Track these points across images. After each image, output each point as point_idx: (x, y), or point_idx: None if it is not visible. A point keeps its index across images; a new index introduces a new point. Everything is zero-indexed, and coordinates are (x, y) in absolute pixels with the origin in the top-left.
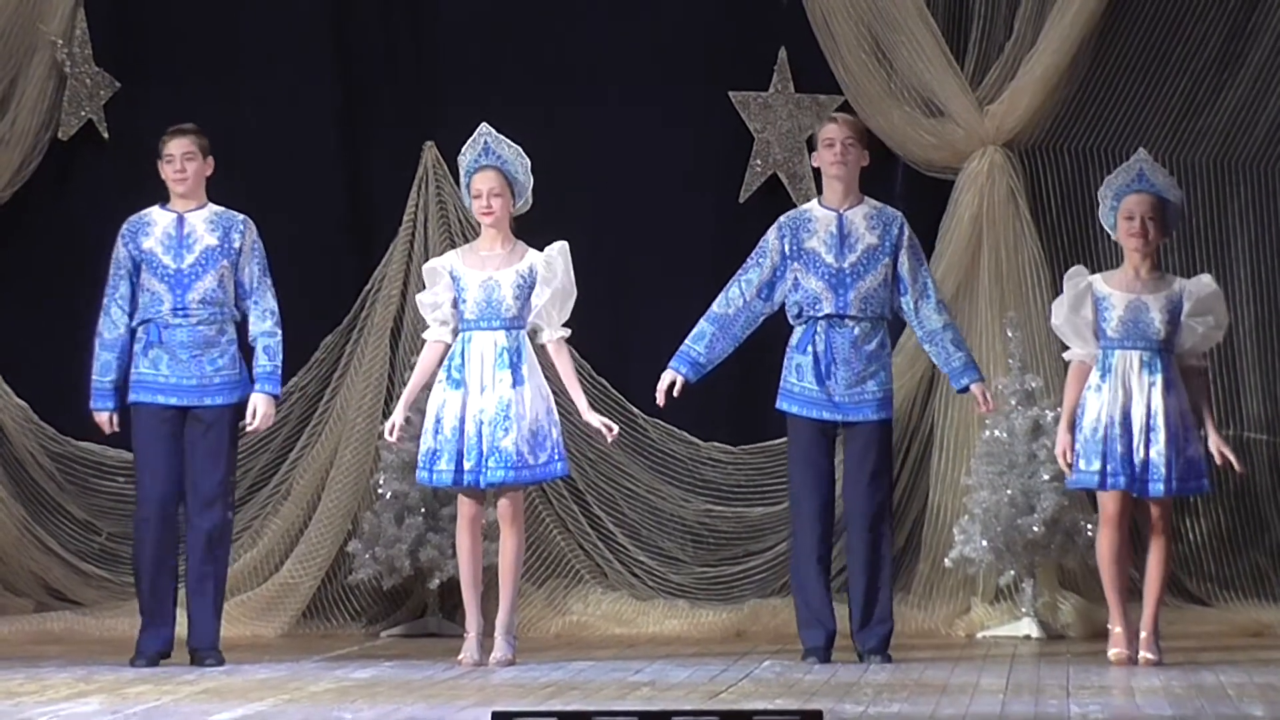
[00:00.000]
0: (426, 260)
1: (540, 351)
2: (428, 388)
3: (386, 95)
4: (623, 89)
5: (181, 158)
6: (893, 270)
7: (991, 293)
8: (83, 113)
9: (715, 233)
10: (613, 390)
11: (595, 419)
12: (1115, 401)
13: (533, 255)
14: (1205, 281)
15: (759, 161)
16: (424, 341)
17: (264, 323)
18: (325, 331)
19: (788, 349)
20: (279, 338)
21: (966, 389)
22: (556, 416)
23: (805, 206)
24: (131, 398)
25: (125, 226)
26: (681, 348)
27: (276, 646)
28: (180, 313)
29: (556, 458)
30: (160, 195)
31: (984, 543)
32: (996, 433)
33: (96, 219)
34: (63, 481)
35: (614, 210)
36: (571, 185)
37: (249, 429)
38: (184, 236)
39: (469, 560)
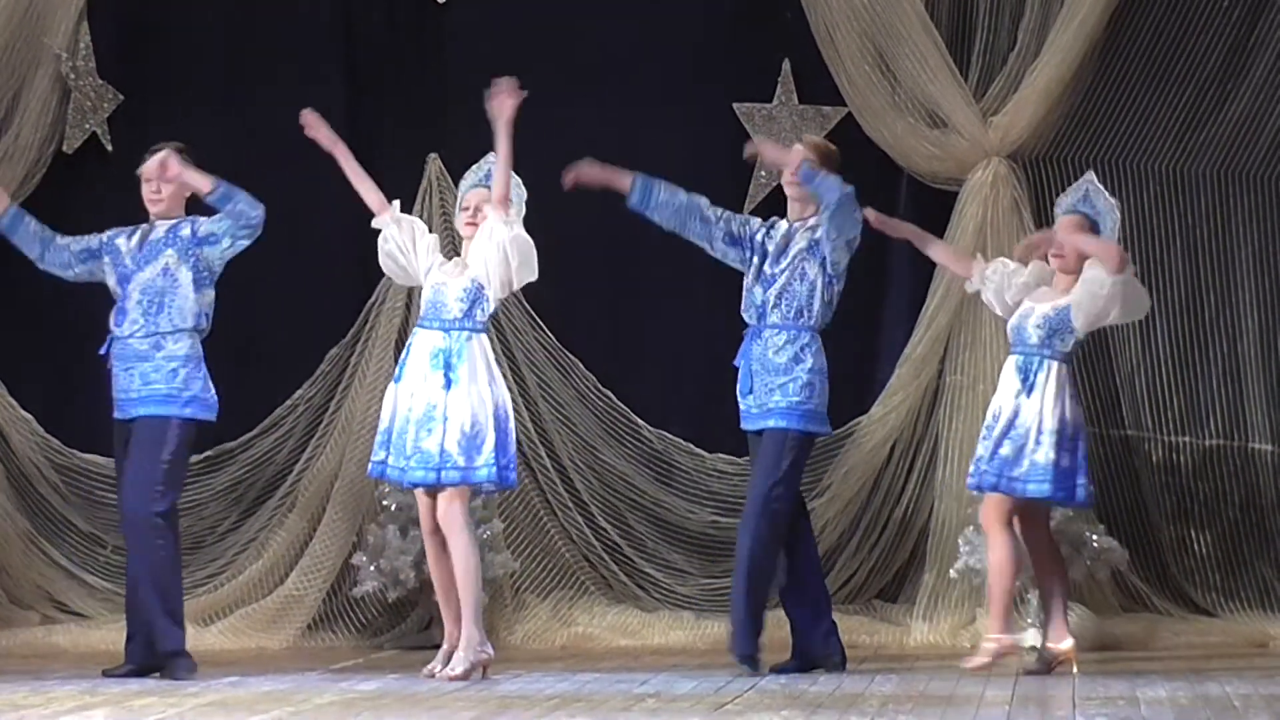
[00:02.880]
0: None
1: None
2: None
3: (391, 107)
4: (627, 101)
5: (158, 180)
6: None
7: None
8: (86, 126)
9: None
10: (617, 402)
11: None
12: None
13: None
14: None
15: (763, 173)
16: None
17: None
18: (330, 344)
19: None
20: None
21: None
22: (509, 425)
23: (781, 219)
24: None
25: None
26: (654, 178)
27: (281, 659)
28: (121, 322)
29: (495, 463)
30: None
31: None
32: None
33: (100, 231)
34: (67, 494)
35: (618, 222)
36: (576, 197)
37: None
38: (146, 241)
39: (433, 567)
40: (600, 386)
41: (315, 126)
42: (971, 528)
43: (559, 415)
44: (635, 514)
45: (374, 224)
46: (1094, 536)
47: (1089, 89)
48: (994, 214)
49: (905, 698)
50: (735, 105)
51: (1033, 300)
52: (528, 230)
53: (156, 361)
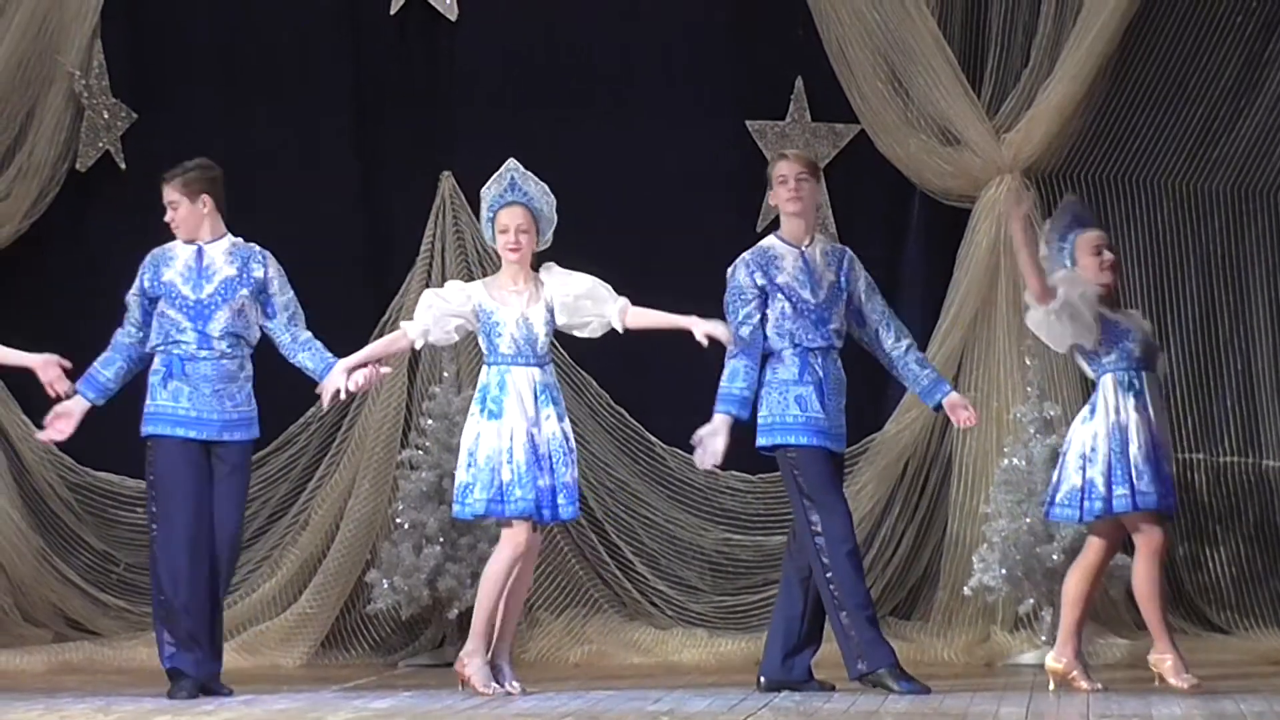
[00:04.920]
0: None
1: (608, 329)
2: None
3: (403, 125)
4: (640, 118)
5: (168, 206)
6: (848, 305)
7: (1010, 321)
8: (100, 143)
9: (732, 261)
10: (630, 420)
11: (706, 326)
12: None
13: (544, 287)
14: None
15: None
16: (407, 336)
17: (304, 330)
18: None
19: (773, 383)
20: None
21: (940, 405)
22: None
23: (763, 243)
24: (148, 429)
25: (148, 258)
26: (723, 390)
27: (295, 677)
28: (204, 346)
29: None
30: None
31: (1003, 571)
32: (1015, 461)
33: (114, 249)
34: (81, 512)
35: (630, 239)
36: (588, 214)
37: (328, 398)
38: (203, 268)
39: (504, 591)
40: (613, 404)
41: (332, 387)
42: (986, 545)
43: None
44: (648, 531)
45: (419, 345)
46: None
47: (1102, 106)
48: (1007, 231)
49: (919, 715)
50: (748, 122)
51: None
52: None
53: (240, 383)
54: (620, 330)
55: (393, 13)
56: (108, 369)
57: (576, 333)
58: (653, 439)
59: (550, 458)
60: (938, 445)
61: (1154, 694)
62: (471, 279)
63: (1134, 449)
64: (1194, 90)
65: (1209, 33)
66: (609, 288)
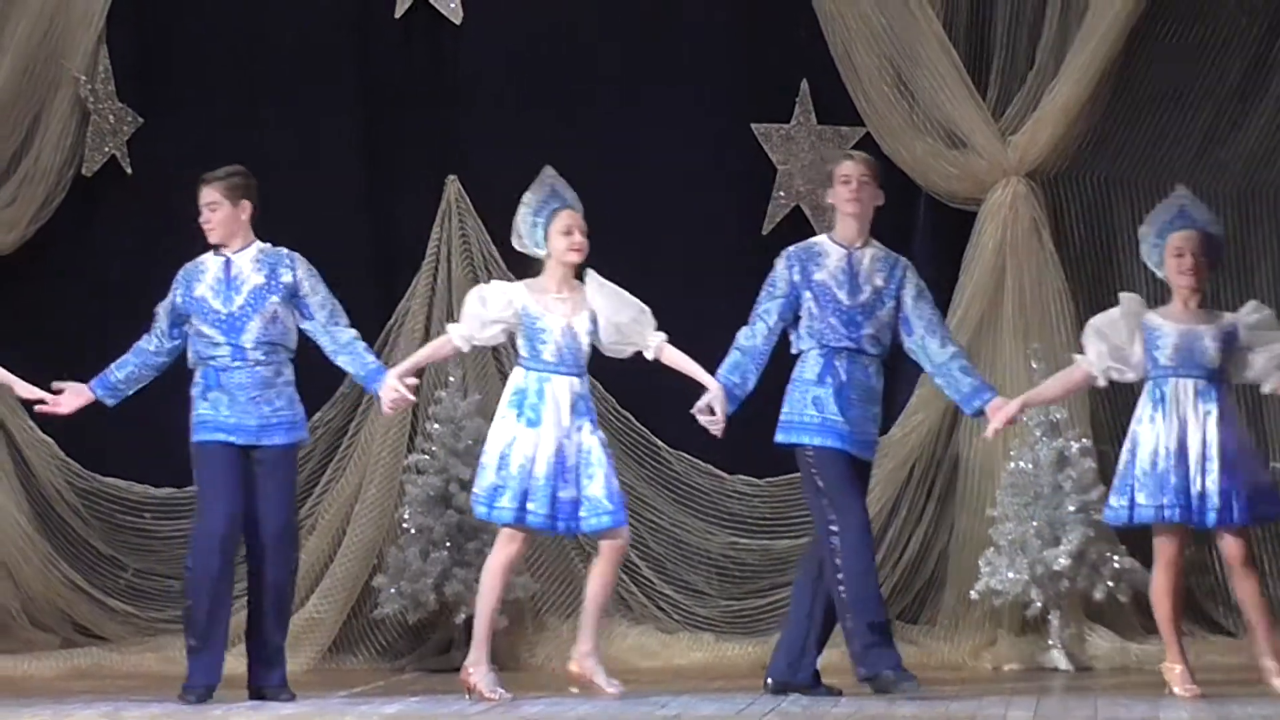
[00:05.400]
0: (450, 294)
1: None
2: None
3: (409, 128)
4: (645, 122)
5: (206, 208)
6: (896, 311)
7: (1015, 324)
8: (106, 148)
9: (739, 265)
10: (636, 424)
11: (716, 401)
12: (1170, 433)
13: (588, 298)
14: (1255, 306)
15: (782, 193)
16: (446, 334)
17: (346, 329)
18: None
19: (796, 381)
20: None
21: (980, 411)
22: None
23: (814, 239)
24: (194, 438)
25: (181, 273)
26: (718, 377)
27: (302, 682)
28: (238, 357)
29: (622, 504)
30: (179, 230)
31: (1010, 574)
32: (1022, 464)
33: (120, 254)
34: (88, 517)
35: (635, 242)
36: (594, 218)
37: (387, 408)
38: (231, 279)
39: (501, 597)
40: (619, 408)
41: (393, 393)
42: (993, 549)
43: None
44: (655, 536)
45: (465, 349)
46: (1115, 558)
47: (1108, 108)
48: (1013, 233)
49: (927, 719)
50: (753, 125)
51: (1163, 319)
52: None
53: (279, 388)
54: (649, 359)
55: (397, 16)
56: (120, 370)
57: (607, 352)
58: (659, 443)
59: (577, 469)
60: (944, 448)
61: (1162, 698)
62: (477, 283)
63: (1142, 455)
64: (1199, 92)
65: (1214, 35)
66: (650, 314)
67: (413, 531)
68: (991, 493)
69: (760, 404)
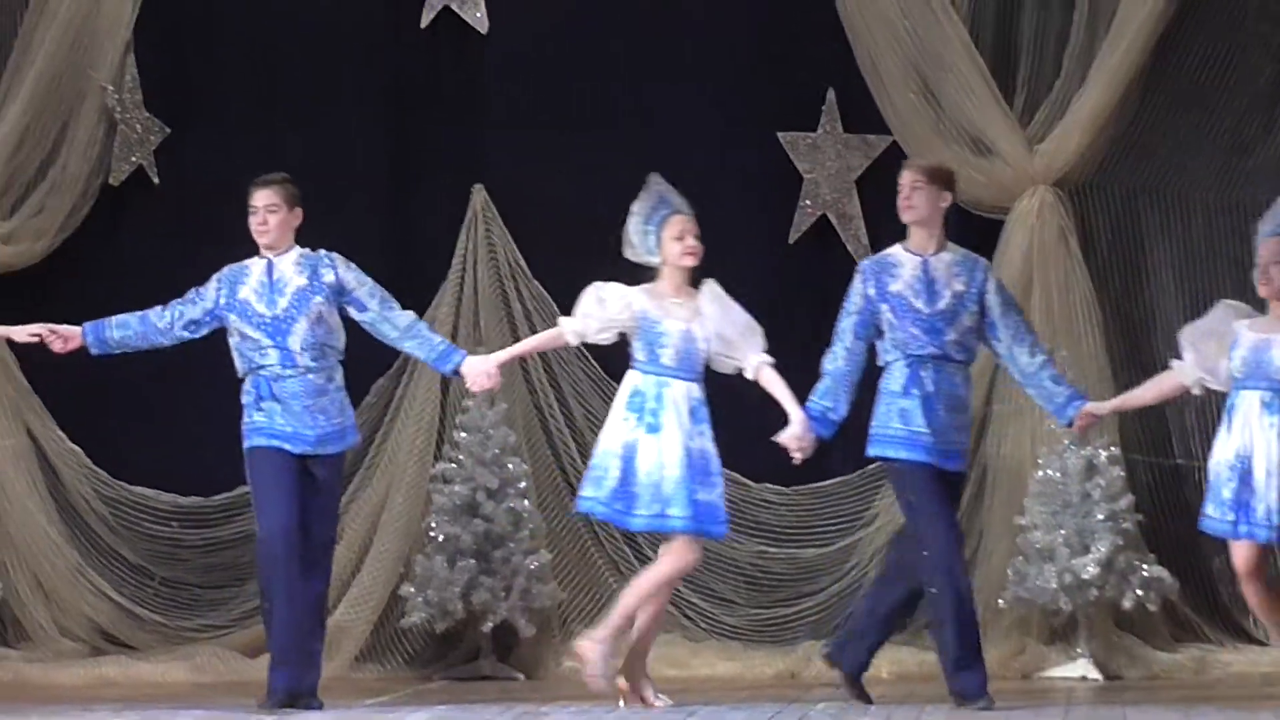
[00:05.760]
0: (476, 302)
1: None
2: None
3: (435, 137)
4: (671, 131)
5: (264, 210)
6: (980, 316)
7: (1043, 331)
8: (133, 158)
9: (766, 274)
10: None
11: (800, 436)
12: (1235, 445)
13: (702, 305)
14: None
15: (808, 202)
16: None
17: (402, 312)
18: (376, 375)
19: (882, 393)
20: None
21: (1072, 422)
22: None
23: (889, 250)
24: (247, 444)
25: (225, 271)
26: (809, 405)
27: (330, 690)
28: (288, 364)
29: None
30: (206, 239)
31: (1038, 583)
32: (1050, 472)
33: (147, 264)
34: (116, 526)
35: None
36: (619, 226)
37: (475, 390)
38: (274, 282)
39: (650, 600)
40: None
41: (487, 377)
42: (1021, 557)
43: None
44: None
45: (574, 344)
46: (1144, 566)
47: (1135, 115)
48: (1040, 242)
49: None
50: (780, 134)
51: (1249, 328)
52: (581, 258)
53: (331, 395)
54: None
55: (423, 25)
56: (119, 330)
57: (710, 363)
58: None
59: (705, 473)
60: (971, 457)
61: (1192, 707)
62: (504, 293)
63: (1210, 468)
64: (1227, 100)
65: (1241, 42)
66: (760, 334)
67: (440, 540)
68: (1020, 501)
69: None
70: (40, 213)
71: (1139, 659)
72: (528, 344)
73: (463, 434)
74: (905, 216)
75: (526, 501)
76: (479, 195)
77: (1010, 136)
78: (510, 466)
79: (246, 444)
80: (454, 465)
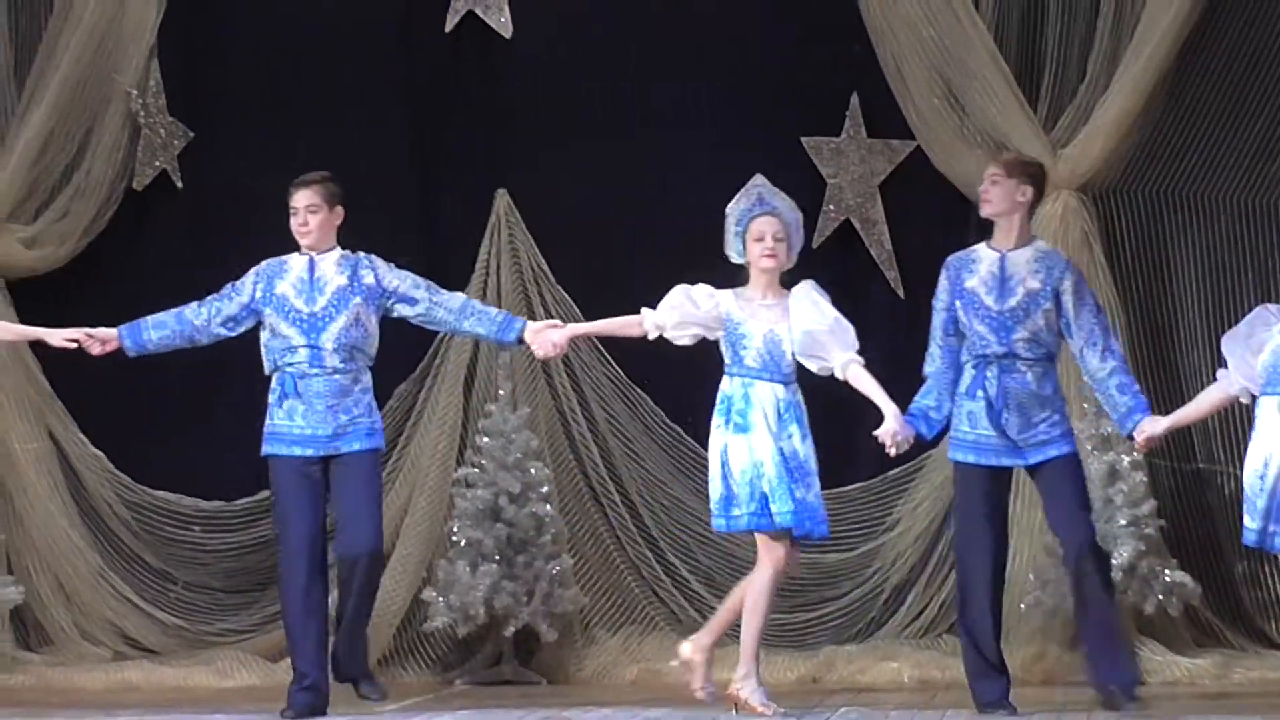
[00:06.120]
0: (499, 307)
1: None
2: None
3: (458, 142)
4: (695, 135)
5: (305, 210)
6: (1056, 314)
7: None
8: (157, 162)
9: (789, 278)
10: (686, 438)
11: (897, 430)
12: (1265, 452)
13: (792, 307)
14: None
15: (832, 207)
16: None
17: (451, 294)
18: (398, 380)
19: (957, 394)
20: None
21: (1131, 434)
22: None
23: (974, 246)
24: (266, 449)
25: (263, 265)
26: (912, 405)
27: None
28: (316, 363)
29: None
30: (229, 243)
31: (1061, 588)
32: None
33: (170, 268)
34: (138, 530)
35: (686, 256)
36: (642, 231)
37: (540, 356)
38: (315, 280)
39: (769, 612)
40: (668, 421)
41: (554, 346)
42: (1044, 562)
43: (627, 450)
44: (704, 548)
45: (651, 336)
46: (1166, 571)
47: (1159, 121)
48: (1064, 247)
49: None
50: (803, 139)
51: None
52: (600, 261)
53: (356, 395)
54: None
55: (447, 30)
56: (156, 331)
57: (801, 361)
58: (707, 456)
59: (794, 474)
60: None
61: (1214, 713)
62: (527, 297)
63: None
64: (1252, 105)
65: (1268, 45)
66: (851, 333)
67: (462, 544)
68: (1042, 505)
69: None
70: (64, 217)
71: (1161, 664)
72: (603, 324)
73: (485, 438)
74: (983, 210)
75: (549, 506)
76: (502, 199)
77: (1034, 141)
78: (532, 471)
79: (264, 449)
80: (476, 470)
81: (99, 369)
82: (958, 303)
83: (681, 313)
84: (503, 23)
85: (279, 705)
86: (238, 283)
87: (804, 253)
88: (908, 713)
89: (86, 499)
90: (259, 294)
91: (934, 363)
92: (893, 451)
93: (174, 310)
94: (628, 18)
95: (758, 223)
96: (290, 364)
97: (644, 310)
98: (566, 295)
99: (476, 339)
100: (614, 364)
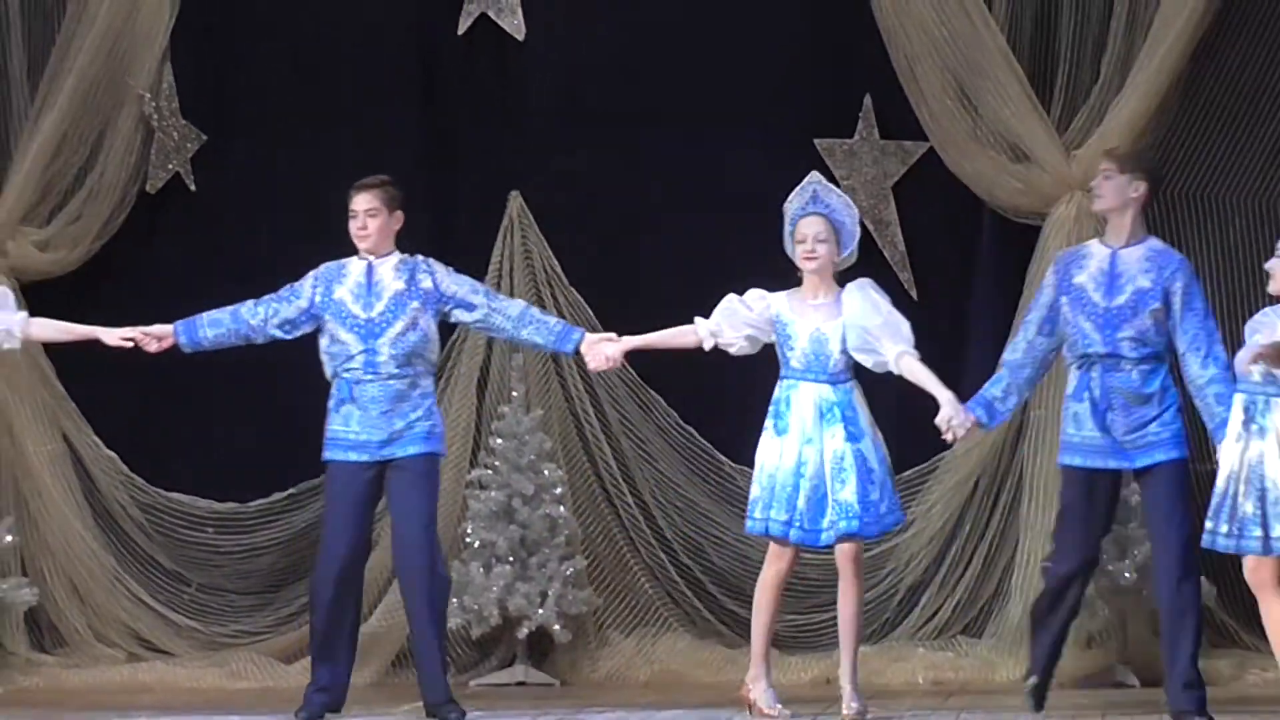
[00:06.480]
0: None
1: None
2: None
3: (471, 144)
4: (708, 137)
5: (364, 214)
6: (1165, 315)
7: None
8: (170, 165)
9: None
10: (700, 439)
11: (957, 415)
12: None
13: (845, 302)
14: None
15: None
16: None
17: (510, 300)
18: None
19: (1065, 396)
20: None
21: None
22: (890, 465)
23: (1086, 242)
24: (325, 455)
25: (321, 269)
26: (980, 393)
27: (366, 696)
28: (371, 368)
29: (897, 507)
30: (242, 247)
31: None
32: None
33: (184, 271)
34: (152, 532)
35: (699, 258)
36: (655, 233)
37: (593, 369)
38: (373, 285)
39: (774, 615)
40: (682, 423)
41: (607, 359)
42: None
43: (641, 451)
44: (717, 550)
45: (706, 346)
46: None
47: (1173, 122)
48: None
49: None
50: (816, 141)
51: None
52: (610, 259)
53: (414, 401)
54: (894, 372)
55: (460, 32)
56: (211, 329)
57: (856, 358)
58: (721, 458)
59: (829, 477)
60: (1008, 462)
61: (1231, 714)
62: (540, 299)
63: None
64: (1266, 106)
65: None
66: (906, 326)
67: (476, 546)
68: (1056, 507)
69: None
70: (77, 220)
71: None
72: (658, 336)
73: (498, 440)
74: (1094, 206)
75: (562, 507)
76: (515, 202)
77: (1048, 143)
78: (546, 472)
79: (325, 455)
80: (490, 471)
81: (112, 370)
82: (1064, 299)
83: (734, 318)
84: (515, 24)
85: (293, 707)
86: (296, 285)
87: None
88: (922, 714)
89: (100, 501)
90: (318, 298)
91: (1015, 352)
92: (949, 438)
93: (229, 307)
94: (640, 20)
95: (802, 224)
96: (348, 370)
97: (697, 319)
98: (580, 298)
99: (534, 348)
100: (627, 365)
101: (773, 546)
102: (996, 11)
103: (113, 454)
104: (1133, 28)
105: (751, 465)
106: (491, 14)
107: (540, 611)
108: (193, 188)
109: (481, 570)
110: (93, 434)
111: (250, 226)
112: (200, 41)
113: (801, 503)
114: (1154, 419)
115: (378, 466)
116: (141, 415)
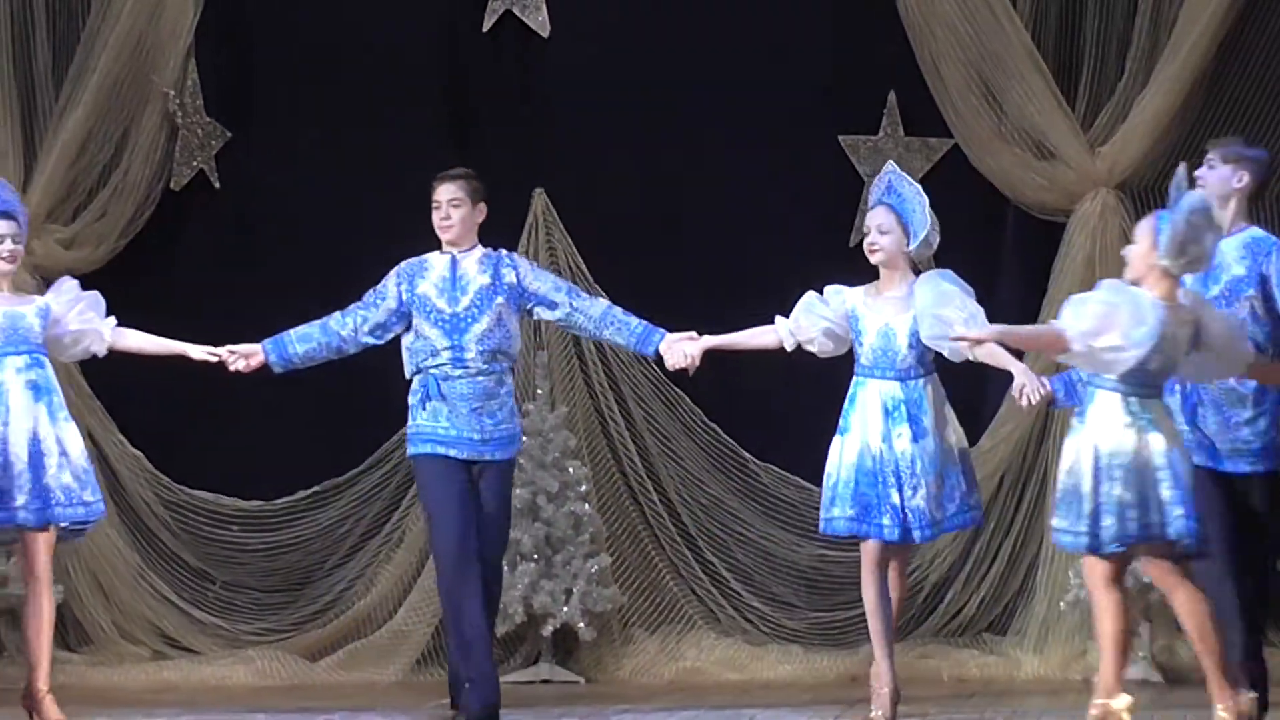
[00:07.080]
0: None
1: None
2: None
3: (496, 141)
4: (732, 134)
5: (447, 204)
6: (1263, 302)
7: None
8: (194, 163)
9: (826, 277)
10: (724, 436)
11: (1028, 382)
12: None
13: (916, 293)
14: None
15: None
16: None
17: (593, 299)
18: None
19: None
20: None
21: None
22: (972, 463)
23: None
24: (412, 450)
25: (402, 265)
26: (1065, 372)
27: (392, 694)
28: (459, 363)
29: (971, 507)
30: (267, 244)
31: None
32: None
33: (208, 268)
34: (177, 530)
35: (723, 255)
36: (680, 229)
37: (672, 368)
38: (457, 279)
39: (884, 612)
40: (707, 420)
41: (686, 357)
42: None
43: (665, 449)
44: (742, 548)
45: (789, 346)
46: None
47: (1198, 119)
48: (1102, 245)
49: None
50: (840, 137)
51: None
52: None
53: (501, 399)
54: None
55: (485, 29)
56: (301, 344)
57: (931, 346)
58: (746, 455)
59: (898, 477)
60: (1033, 459)
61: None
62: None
63: None
64: None
65: None
66: (981, 316)
67: None
68: None
69: None
70: (102, 217)
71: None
72: (738, 337)
73: (523, 437)
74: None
75: (587, 505)
76: (540, 199)
77: (1072, 140)
78: (570, 470)
79: (410, 450)
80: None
81: (137, 370)
82: None
83: (811, 315)
84: (540, 22)
85: (318, 704)
86: (379, 288)
87: (842, 250)
88: (945, 712)
89: (125, 499)
90: (405, 295)
91: None
92: (1024, 404)
93: (318, 321)
94: (665, 17)
95: (869, 216)
96: (434, 366)
97: (777, 318)
98: (604, 295)
99: (615, 347)
100: (651, 363)
101: (864, 545)
102: (1021, 8)
103: (138, 452)
104: (1157, 24)
105: (777, 463)
106: (516, 11)
107: (565, 609)
108: (217, 185)
109: (506, 568)
110: (118, 432)
111: (275, 223)
112: (224, 39)
113: (865, 498)
114: (1248, 421)
115: (468, 463)
116: (167, 413)
